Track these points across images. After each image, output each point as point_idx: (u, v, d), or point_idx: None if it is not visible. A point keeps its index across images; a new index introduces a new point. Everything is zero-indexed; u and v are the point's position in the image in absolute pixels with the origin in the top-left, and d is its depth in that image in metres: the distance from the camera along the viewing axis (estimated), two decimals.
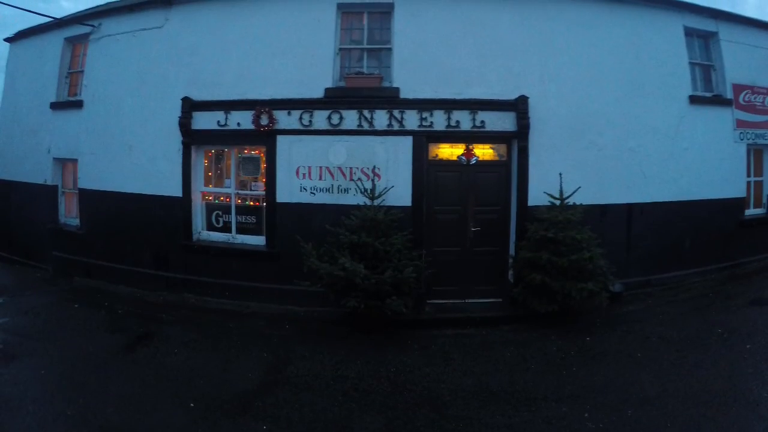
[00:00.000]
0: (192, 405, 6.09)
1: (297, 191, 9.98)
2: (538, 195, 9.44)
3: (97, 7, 13.22)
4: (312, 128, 9.91)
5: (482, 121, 9.71)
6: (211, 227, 10.91)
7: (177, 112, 10.38)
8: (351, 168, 9.82)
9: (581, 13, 10.27)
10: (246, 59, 10.29)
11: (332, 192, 9.87)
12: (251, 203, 10.73)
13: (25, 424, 5.53)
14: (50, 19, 12.69)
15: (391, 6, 10.11)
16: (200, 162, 10.83)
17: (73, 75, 12.78)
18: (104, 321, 9.17)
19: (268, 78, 10.11)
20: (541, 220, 8.94)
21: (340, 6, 10.23)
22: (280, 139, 10.03)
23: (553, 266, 8.39)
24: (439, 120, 9.73)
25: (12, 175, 13.94)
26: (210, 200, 10.92)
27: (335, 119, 9.84)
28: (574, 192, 8.95)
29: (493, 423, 5.67)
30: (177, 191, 10.60)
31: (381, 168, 9.76)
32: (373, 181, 9.52)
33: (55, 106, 12.60)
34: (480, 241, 10.01)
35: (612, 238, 9.79)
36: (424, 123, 9.72)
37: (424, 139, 9.79)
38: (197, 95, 10.38)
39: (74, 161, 12.24)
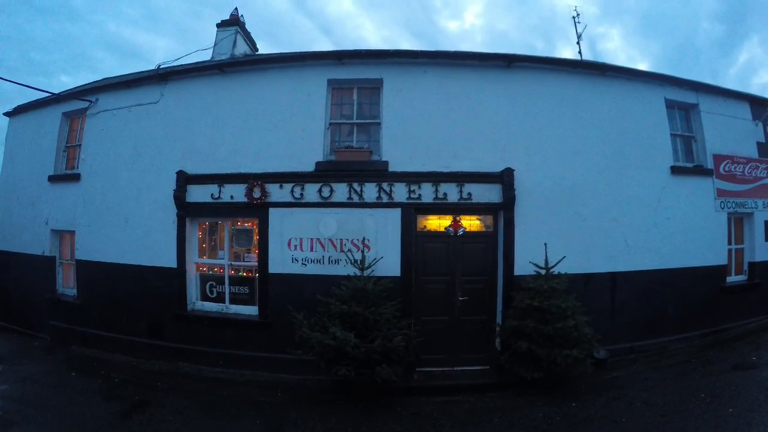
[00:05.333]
0: None
1: (289, 262, 10.18)
2: (524, 264, 9.65)
3: (95, 82, 13.65)
4: (303, 201, 10.18)
5: (469, 193, 10.00)
6: (205, 297, 11.04)
7: (172, 185, 10.71)
8: (341, 239, 10.04)
9: (565, 87, 10.70)
10: (239, 133, 10.64)
11: (323, 263, 10.07)
12: (244, 274, 10.88)
13: None
14: (49, 94, 13.10)
15: (380, 82, 10.53)
16: (194, 234, 11.04)
17: (70, 148, 13.15)
18: (101, 389, 9.25)
19: (260, 152, 10.45)
20: (526, 289, 9.12)
21: (330, 82, 10.63)
22: (272, 211, 10.29)
23: (539, 334, 8.56)
24: (427, 192, 10.01)
25: (11, 245, 14.16)
26: (204, 271, 11.10)
27: (326, 192, 10.12)
28: (558, 261, 9.16)
29: None
30: (172, 262, 10.81)
31: (370, 239, 9.99)
32: (362, 252, 9.73)
33: (53, 178, 12.93)
34: (467, 309, 10.17)
35: (597, 306, 9.90)
36: (412, 195, 10.00)
37: (412, 211, 10.05)
38: (192, 169, 10.71)
39: (72, 233, 12.48)
